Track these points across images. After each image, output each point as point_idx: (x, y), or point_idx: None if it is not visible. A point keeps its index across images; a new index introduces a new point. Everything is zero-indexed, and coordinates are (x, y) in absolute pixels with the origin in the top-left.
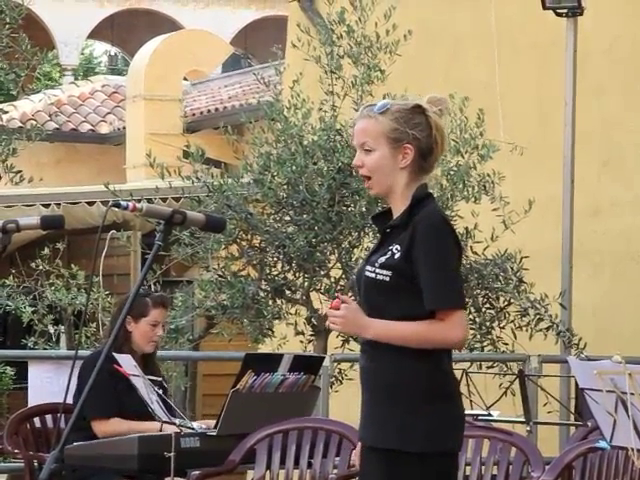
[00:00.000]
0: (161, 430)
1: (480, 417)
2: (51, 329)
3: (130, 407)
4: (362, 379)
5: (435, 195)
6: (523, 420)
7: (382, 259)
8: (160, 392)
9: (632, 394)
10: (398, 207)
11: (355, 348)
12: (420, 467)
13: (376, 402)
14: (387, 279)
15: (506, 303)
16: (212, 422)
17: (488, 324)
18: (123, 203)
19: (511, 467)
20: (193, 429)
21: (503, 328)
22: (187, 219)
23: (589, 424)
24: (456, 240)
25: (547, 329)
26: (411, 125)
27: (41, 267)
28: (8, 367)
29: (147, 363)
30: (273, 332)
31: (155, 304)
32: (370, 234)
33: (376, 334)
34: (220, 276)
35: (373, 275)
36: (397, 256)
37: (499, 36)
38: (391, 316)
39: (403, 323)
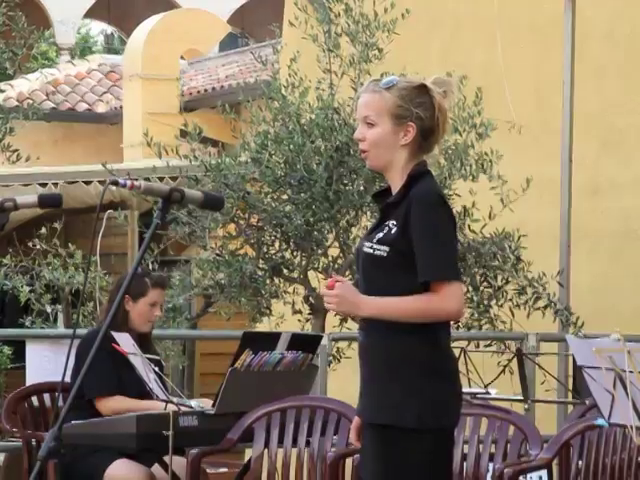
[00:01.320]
0: (165, 409)
1: (478, 395)
2: (48, 308)
3: (129, 386)
4: (360, 355)
5: (433, 173)
6: (521, 398)
7: (379, 235)
8: (157, 370)
9: (631, 372)
10: (397, 184)
11: (353, 327)
12: (415, 443)
13: (373, 378)
14: (384, 254)
15: (504, 281)
16: (209, 401)
17: (486, 302)
18: (121, 181)
19: (509, 445)
20: (191, 408)
21: (501, 306)
22: (185, 197)
23: (587, 402)
24: (450, 214)
25: (545, 307)
26: (415, 103)
27: (38, 246)
28: (6, 346)
29: (143, 342)
30: (271, 311)
31: (154, 284)
32: (368, 213)
33: (371, 311)
34: (218, 255)
35: (371, 251)
36: (393, 231)
37: (498, 16)
38: (389, 292)
39: (397, 299)
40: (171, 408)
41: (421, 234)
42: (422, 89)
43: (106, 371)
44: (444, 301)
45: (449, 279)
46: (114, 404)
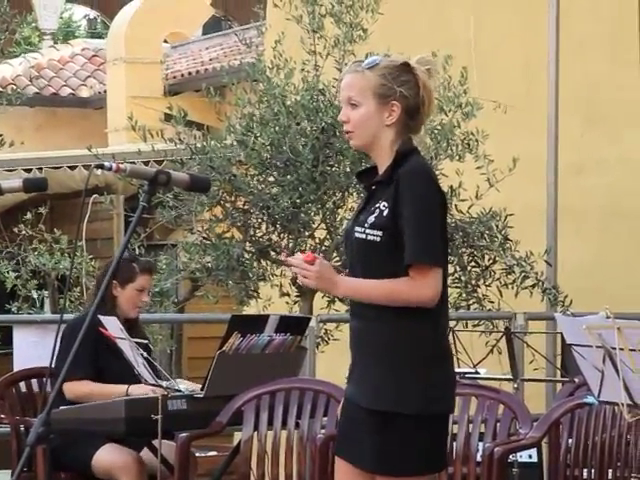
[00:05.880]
0: (127, 394)
1: (467, 375)
2: (35, 294)
3: (110, 374)
4: (353, 340)
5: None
6: (510, 377)
7: (371, 218)
8: (146, 354)
9: (621, 349)
10: (384, 164)
11: (341, 309)
12: (415, 429)
13: (370, 363)
14: (377, 239)
15: (491, 261)
16: (192, 384)
17: (474, 282)
18: (107, 164)
19: (499, 424)
20: (180, 391)
21: (489, 286)
22: (171, 179)
23: (576, 380)
24: (440, 192)
25: (533, 286)
26: (399, 82)
27: (24, 232)
28: None
29: (131, 326)
30: (258, 294)
31: (142, 270)
32: (354, 194)
33: (346, 291)
34: (204, 238)
35: (363, 236)
36: (385, 213)
37: None
38: (384, 276)
39: (373, 281)
40: (160, 392)
41: (408, 215)
42: (405, 67)
43: (80, 357)
44: (419, 288)
45: (428, 264)
46: (77, 388)
